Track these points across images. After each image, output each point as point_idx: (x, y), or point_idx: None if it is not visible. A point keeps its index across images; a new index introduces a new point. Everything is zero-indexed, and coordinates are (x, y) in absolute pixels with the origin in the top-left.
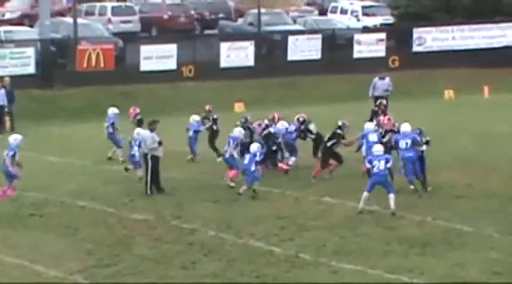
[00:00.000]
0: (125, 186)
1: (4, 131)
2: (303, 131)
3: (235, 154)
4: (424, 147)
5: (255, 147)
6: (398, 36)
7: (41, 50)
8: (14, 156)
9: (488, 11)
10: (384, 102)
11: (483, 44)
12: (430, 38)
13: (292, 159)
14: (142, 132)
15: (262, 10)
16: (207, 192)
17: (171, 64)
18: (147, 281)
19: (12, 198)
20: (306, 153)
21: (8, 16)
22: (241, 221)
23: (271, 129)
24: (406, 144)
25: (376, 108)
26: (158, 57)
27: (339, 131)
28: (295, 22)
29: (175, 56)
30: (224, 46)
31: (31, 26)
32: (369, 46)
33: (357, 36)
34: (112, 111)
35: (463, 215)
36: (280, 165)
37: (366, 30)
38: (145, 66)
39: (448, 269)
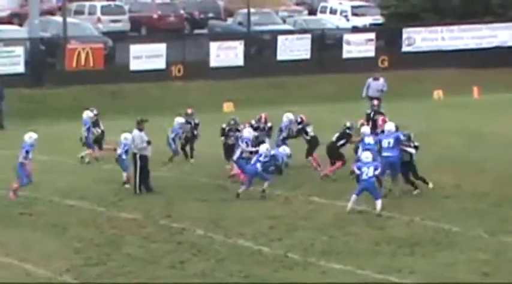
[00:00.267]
0: (114, 185)
1: None
2: (299, 131)
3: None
4: (413, 151)
5: (263, 148)
6: (387, 36)
7: (31, 49)
8: (27, 153)
9: (478, 12)
10: (375, 102)
11: (472, 44)
12: (420, 38)
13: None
14: (129, 135)
15: (252, 10)
16: (196, 191)
17: (161, 63)
18: (136, 281)
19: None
20: (300, 152)
21: None
22: (230, 221)
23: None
24: (389, 143)
25: (369, 111)
26: (148, 56)
27: (348, 131)
28: (284, 22)
29: (164, 56)
30: (213, 46)
31: (20, 25)
32: (358, 46)
33: (347, 36)
34: (87, 114)
35: (452, 216)
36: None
37: (355, 30)
38: (134, 65)
39: (436, 269)
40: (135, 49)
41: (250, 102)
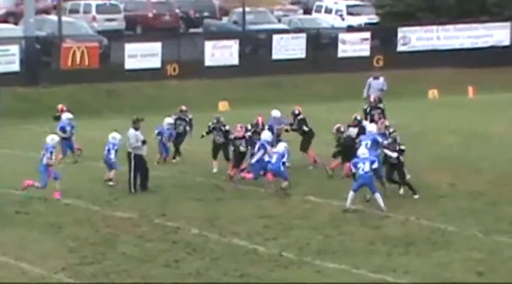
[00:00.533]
0: (112, 183)
1: None
2: (299, 122)
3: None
4: (394, 155)
5: (282, 146)
6: (383, 35)
7: (26, 47)
8: (51, 154)
9: (473, 11)
10: (373, 97)
11: (468, 43)
12: (415, 38)
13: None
14: (117, 135)
15: (247, 9)
16: (191, 190)
17: (156, 62)
18: (131, 281)
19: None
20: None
21: None
22: (225, 220)
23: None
24: (366, 144)
25: (365, 106)
26: (143, 55)
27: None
28: (279, 21)
29: (159, 54)
30: (209, 45)
31: (16, 24)
32: (354, 45)
33: (342, 36)
34: (66, 116)
35: (447, 215)
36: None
37: (350, 29)
38: (129, 64)
39: (431, 268)
40: (130, 48)
41: (246, 101)
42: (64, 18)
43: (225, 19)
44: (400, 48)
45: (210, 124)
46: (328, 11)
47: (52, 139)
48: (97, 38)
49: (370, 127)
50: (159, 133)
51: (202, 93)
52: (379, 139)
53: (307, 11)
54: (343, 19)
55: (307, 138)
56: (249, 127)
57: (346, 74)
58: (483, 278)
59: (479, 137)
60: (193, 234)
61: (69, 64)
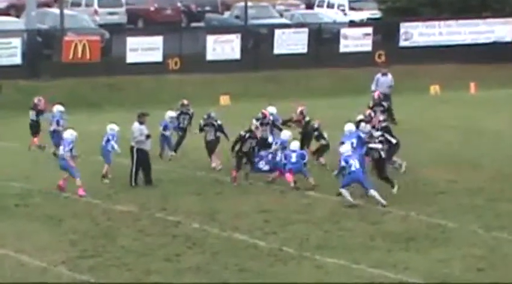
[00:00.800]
0: (109, 178)
1: None
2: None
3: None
4: (379, 146)
5: (296, 145)
6: (385, 30)
7: (27, 40)
8: (71, 150)
9: (475, 7)
10: (377, 94)
11: (470, 39)
12: (417, 33)
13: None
14: (115, 127)
15: (249, 3)
16: (191, 184)
17: (157, 56)
18: (131, 275)
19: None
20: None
21: None
22: (225, 214)
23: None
24: (352, 143)
25: (371, 104)
26: (144, 49)
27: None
28: (281, 16)
29: (161, 48)
30: (210, 39)
31: (17, 17)
32: (355, 40)
33: (344, 31)
34: (56, 108)
35: (447, 211)
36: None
37: (352, 24)
38: (131, 58)
39: (431, 264)
40: (131, 41)
41: (247, 96)
42: (66, 12)
43: (226, 13)
44: (402, 43)
45: (201, 122)
46: (330, 5)
47: (71, 134)
48: (99, 32)
49: (348, 126)
50: (165, 128)
51: (203, 87)
52: (362, 135)
53: (309, 6)
54: (345, 14)
55: (303, 137)
56: (254, 121)
57: (348, 69)
58: (483, 275)
59: (480, 133)
60: (193, 228)
61: (70, 57)
